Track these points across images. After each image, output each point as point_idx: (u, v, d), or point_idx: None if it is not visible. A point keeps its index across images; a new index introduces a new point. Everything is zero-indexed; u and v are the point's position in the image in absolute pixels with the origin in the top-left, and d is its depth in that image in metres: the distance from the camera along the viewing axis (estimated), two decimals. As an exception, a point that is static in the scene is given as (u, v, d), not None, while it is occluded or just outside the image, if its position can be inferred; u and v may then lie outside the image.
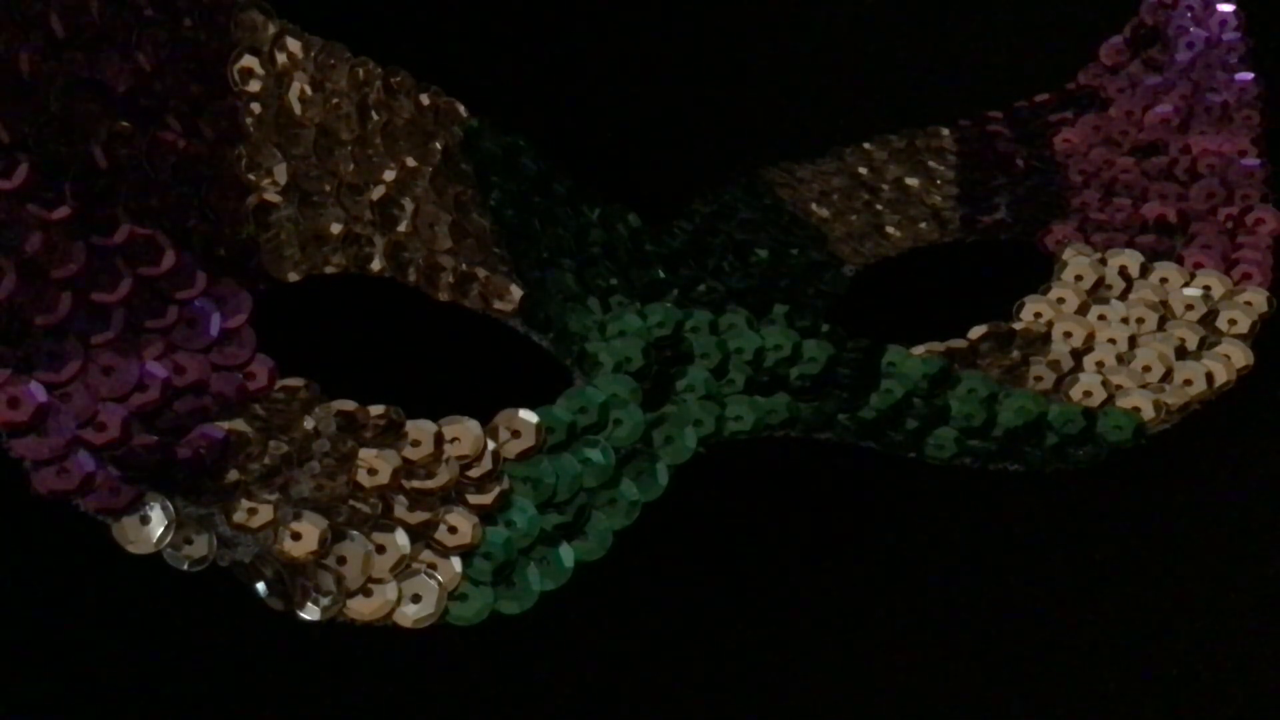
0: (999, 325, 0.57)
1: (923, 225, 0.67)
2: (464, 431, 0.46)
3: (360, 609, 0.42)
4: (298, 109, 0.52)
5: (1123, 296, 0.60)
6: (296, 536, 0.42)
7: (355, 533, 0.43)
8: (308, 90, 0.52)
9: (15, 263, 0.41)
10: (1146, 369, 0.56)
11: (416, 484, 0.45)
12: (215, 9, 0.49)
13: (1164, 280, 0.60)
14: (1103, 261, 0.61)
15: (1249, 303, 0.59)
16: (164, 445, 0.42)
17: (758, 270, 0.61)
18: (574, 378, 0.51)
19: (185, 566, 0.42)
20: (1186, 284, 0.60)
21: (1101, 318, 0.58)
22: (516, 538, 0.45)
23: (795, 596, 0.47)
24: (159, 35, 0.47)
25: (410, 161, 0.55)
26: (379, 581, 0.43)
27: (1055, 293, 0.59)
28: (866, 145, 0.71)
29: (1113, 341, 0.57)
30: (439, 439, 0.46)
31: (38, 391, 0.41)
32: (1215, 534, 0.51)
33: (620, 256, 0.58)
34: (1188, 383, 0.55)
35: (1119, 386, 0.55)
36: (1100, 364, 0.56)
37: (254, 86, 0.50)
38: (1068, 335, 0.57)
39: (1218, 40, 0.69)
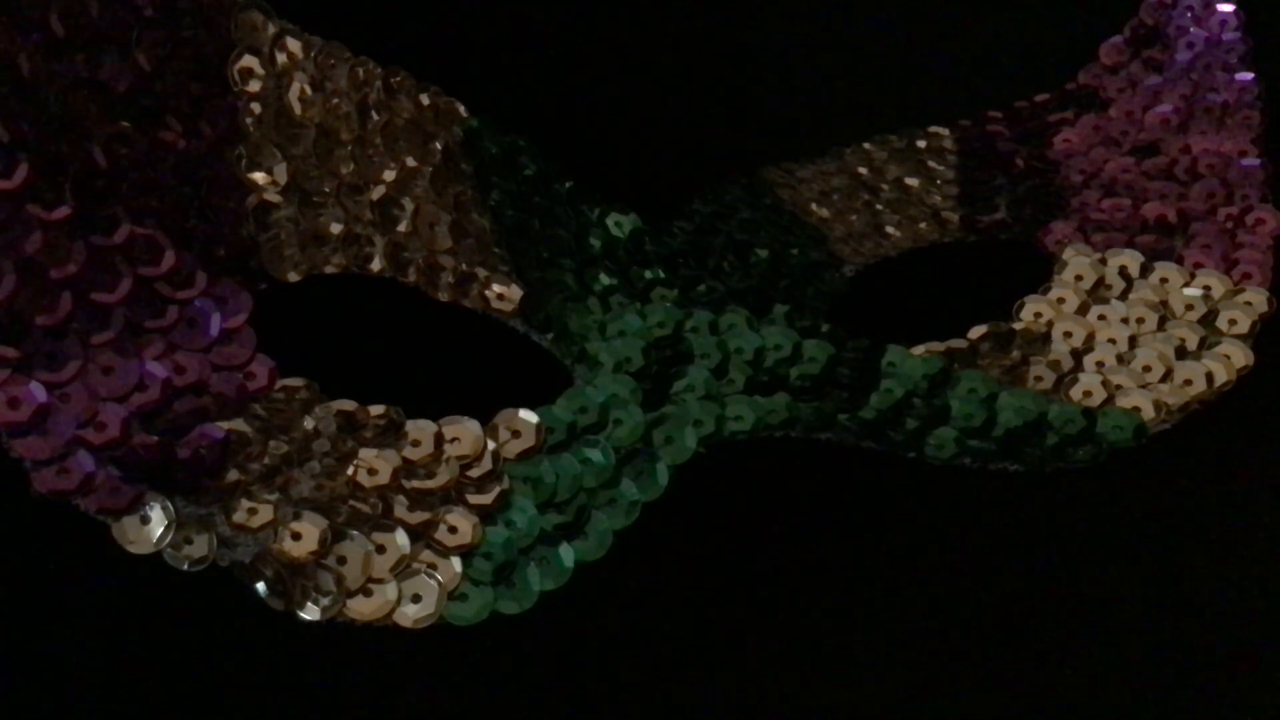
0: (999, 325, 0.57)
1: (923, 225, 0.67)
2: (464, 431, 0.46)
3: (360, 609, 0.43)
4: (298, 109, 0.52)
5: (1123, 296, 0.60)
6: (296, 536, 0.42)
7: (355, 533, 0.43)
8: (308, 90, 0.52)
9: (15, 263, 0.41)
10: (1146, 369, 0.56)
11: (416, 484, 0.45)
12: (215, 9, 0.49)
13: (1164, 280, 0.60)
14: (1103, 261, 0.61)
15: (1249, 303, 0.59)
16: (164, 445, 0.42)
17: (758, 270, 0.61)
18: (574, 378, 0.51)
19: (185, 566, 0.42)
20: (1186, 284, 0.60)
21: (1101, 318, 0.58)
22: (516, 538, 0.45)
23: (795, 596, 0.47)
24: (159, 35, 0.47)
25: (410, 161, 0.55)
26: (379, 581, 0.43)
27: (1055, 293, 0.59)
28: (866, 145, 0.71)
29: (1113, 341, 0.57)
30: (439, 439, 0.46)
31: (38, 391, 0.41)
32: (1215, 534, 0.51)
33: (620, 256, 0.58)
34: (1188, 383, 0.55)
35: (1119, 386, 0.55)
36: (1100, 364, 0.56)
37: (254, 86, 0.50)
38: (1068, 335, 0.57)
39: (1218, 40, 0.69)
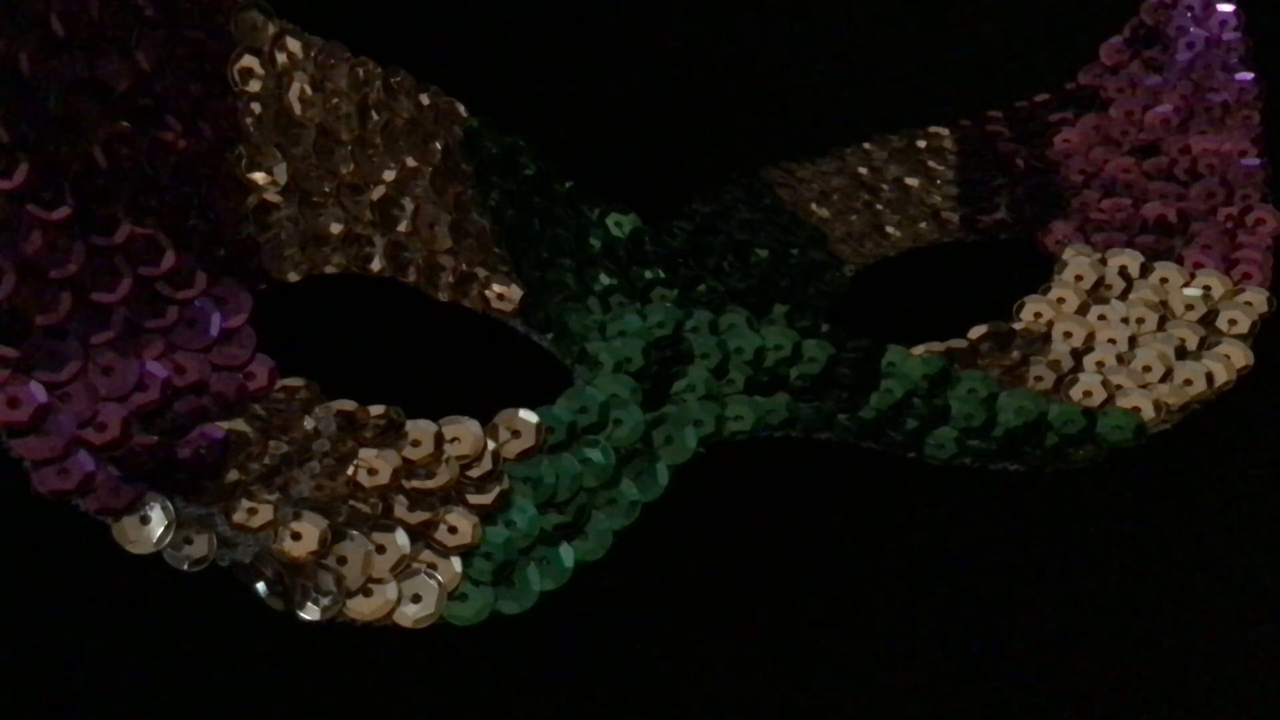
0: (999, 325, 0.57)
1: (923, 225, 0.67)
2: (464, 431, 0.46)
3: (360, 609, 0.43)
4: (298, 109, 0.52)
5: (1123, 296, 0.60)
6: (296, 536, 0.42)
7: (355, 533, 0.43)
8: (308, 90, 0.52)
9: (15, 263, 0.41)
10: (1146, 369, 0.56)
11: (416, 484, 0.45)
12: (215, 9, 0.49)
13: (1164, 280, 0.60)
14: (1103, 261, 0.61)
15: (1249, 303, 0.59)
16: (164, 445, 0.42)
17: (758, 270, 0.61)
18: (574, 378, 0.51)
19: (185, 566, 0.42)
20: (1186, 284, 0.60)
21: (1101, 318, 0.58)
22: (516, 538, 0.45)
23: (795, 596, 0.47)
24: (159, 35, 0.47)
25: (410, 161, 0.55)
26: (379, 581, 0.43)
27: (1055, 293, 0.59)
28: (866, 145, 0.71)
29: (1113, 341, 0.57)
30: (439, 439, 0.46)
31: (38, 391, 0.41)
32: (1215, 534, 0.51)
33: (620, 256, 0.58)
34: (1188, 383, 0.55)
35: (1119, 386, 0.55)
36: (1100, 364, 0.56)
37: (254, 86, 0.50)
38: (1068, 335, 0.57)
39: (1218, 40, 0.69)
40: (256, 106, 0.50)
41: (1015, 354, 0.56)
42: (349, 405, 0.46)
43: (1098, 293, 0.60)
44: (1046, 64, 0.74)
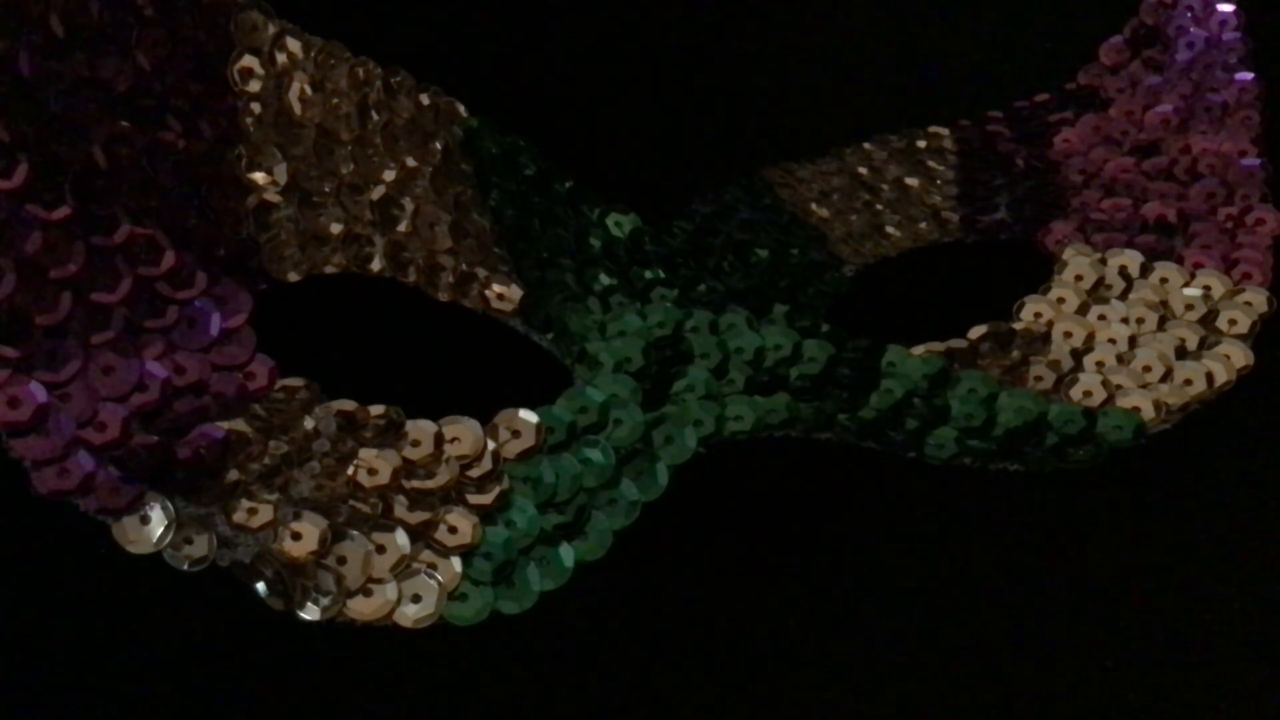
0: (999, 325, 0.57)
1: (923, 225, 0.67)
2: (464, 431, 0.46)
3: (360, 609, 0.43)
4: (298, 109, 0.52)
5: (1123, 296, 0.60)
6: (296, 536, 0.42)
7: (355, 533, 0.43)
8: (308, 90, 0.52)
9: (15, 263, 0.41)
10: (1146, 369, 0.56)
11: (416, 484, 0.45)
12: (215, 9, 0.49)
13: (1164, 280, 0.60)
14: (1103, 261, 0.61)
15: (1249, 303, 0.59)
16: (164, 445, 0.42)
17: (758, 270, 0.61)
18: (574, 378, 0.51)
19: (185, 566, 0.42)
20: (1186, 284, 0.60)
21: (1101, 318, 0.58)
22: (516, 538, 0.45)
23: (795, 596, 0.47)
24: (159, 35, 0.47)
25: (410, 161, 0.55)
26: (379, 581, 0.43)
27: (1055, 293, 0.59)
28: (866, 145, 0.71)
29: (1113, 341, 0.57)
30: (439, 439, 0.46)
31: (38, 391, 0.41)
32: (1215, 534, 0.51)
33: (620, 256, 0.58)
34: (1188, 383, 0.55)
35: (1119, 386, 0.55)
36: (1100, 364, 0.56)
37: (254, 86, 0.50)
38: (1068, 335, 0.57)
39: (1218, 40, 0.69)
40: (256, 106, 0.50)
41: (1015, 354, 0.56)
42: (349, 405, 0.46)
43: (1098, 293, 0.60)
44: (1046, 64, 0.74)
